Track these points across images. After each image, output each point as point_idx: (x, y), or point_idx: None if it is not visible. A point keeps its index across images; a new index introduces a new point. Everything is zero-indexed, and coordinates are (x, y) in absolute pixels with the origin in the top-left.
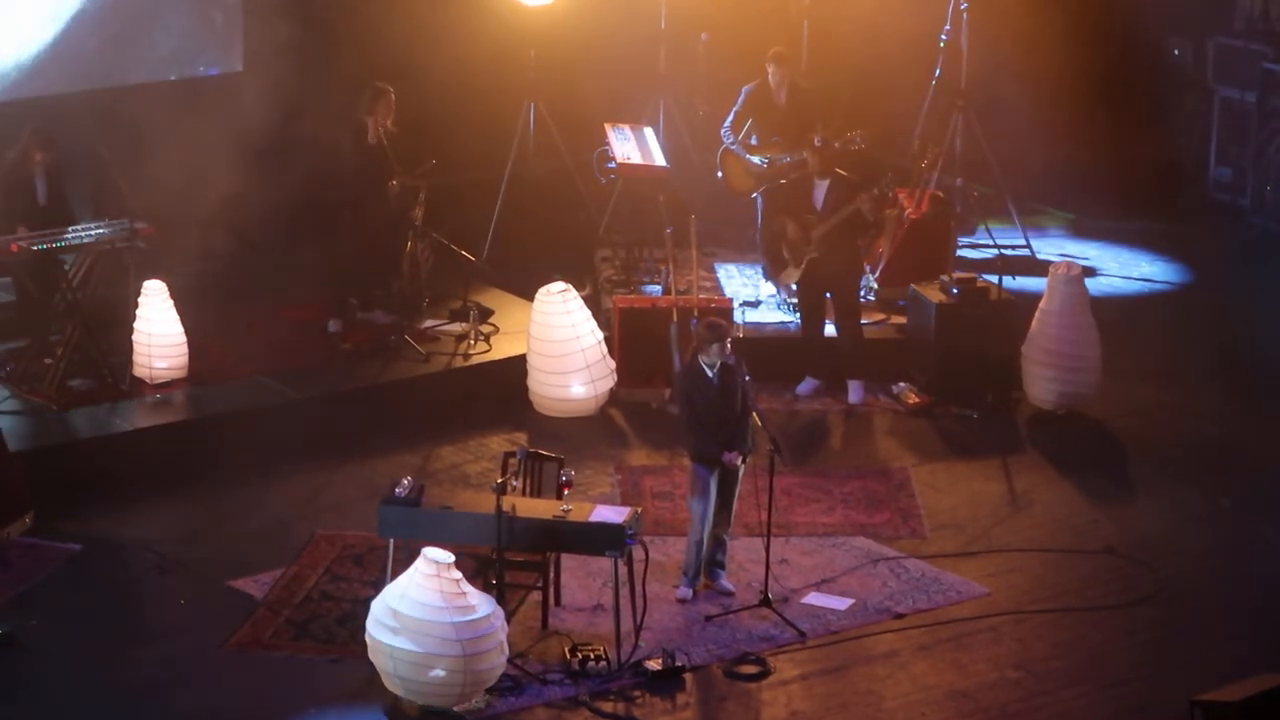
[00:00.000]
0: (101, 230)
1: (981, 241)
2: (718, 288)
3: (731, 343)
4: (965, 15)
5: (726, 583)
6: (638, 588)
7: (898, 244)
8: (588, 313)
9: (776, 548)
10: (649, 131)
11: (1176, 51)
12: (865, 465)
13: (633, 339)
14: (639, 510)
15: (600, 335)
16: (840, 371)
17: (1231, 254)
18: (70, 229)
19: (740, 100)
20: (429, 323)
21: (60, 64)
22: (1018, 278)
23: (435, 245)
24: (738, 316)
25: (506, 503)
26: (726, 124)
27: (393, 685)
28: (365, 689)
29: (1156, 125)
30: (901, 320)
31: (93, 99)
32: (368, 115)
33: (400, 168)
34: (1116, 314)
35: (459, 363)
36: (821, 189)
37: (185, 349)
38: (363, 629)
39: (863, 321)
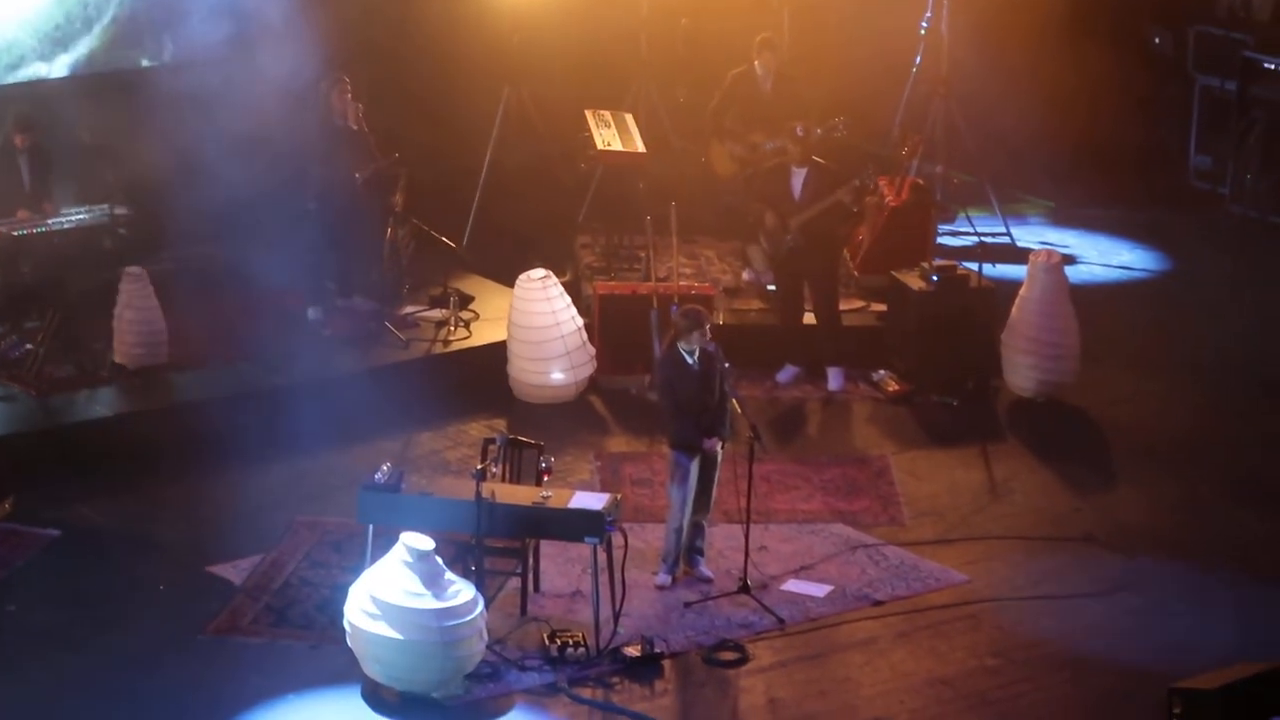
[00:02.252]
0: (83, 216)
1: (961, 229)
2: (698, 274)
3: (710, 329)
4: (946, 3)
5: (705, 569)
6: (617, 574)
7: (878, 231)
8: (568, 299)
9: (755, 534)
10: (629, 118)
11: (1157, 40)
12: (845, 452)
13: (613, 326)
14: (618, 497)
15: (580, 322)
16: (820, 359)
17: (1211, 242)
18: (51, 215)
19: (726, 86)
20: (409, 309)
21: (42, 50)
22: (998, 265)
23: (416, 231)
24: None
25: (486, 489)
26: (711, 109)
27: (372, 672)
28: (344, 675)
29: (1137, 113)
30: (881, 308)
31: (74, 85)
32: (324, 104)
33: (374, 156)
34: (1096, 302)
35: (439, 349)
36: (799, 177)
37: (165, 335)
38: (342, 615)
39: (842, 309)
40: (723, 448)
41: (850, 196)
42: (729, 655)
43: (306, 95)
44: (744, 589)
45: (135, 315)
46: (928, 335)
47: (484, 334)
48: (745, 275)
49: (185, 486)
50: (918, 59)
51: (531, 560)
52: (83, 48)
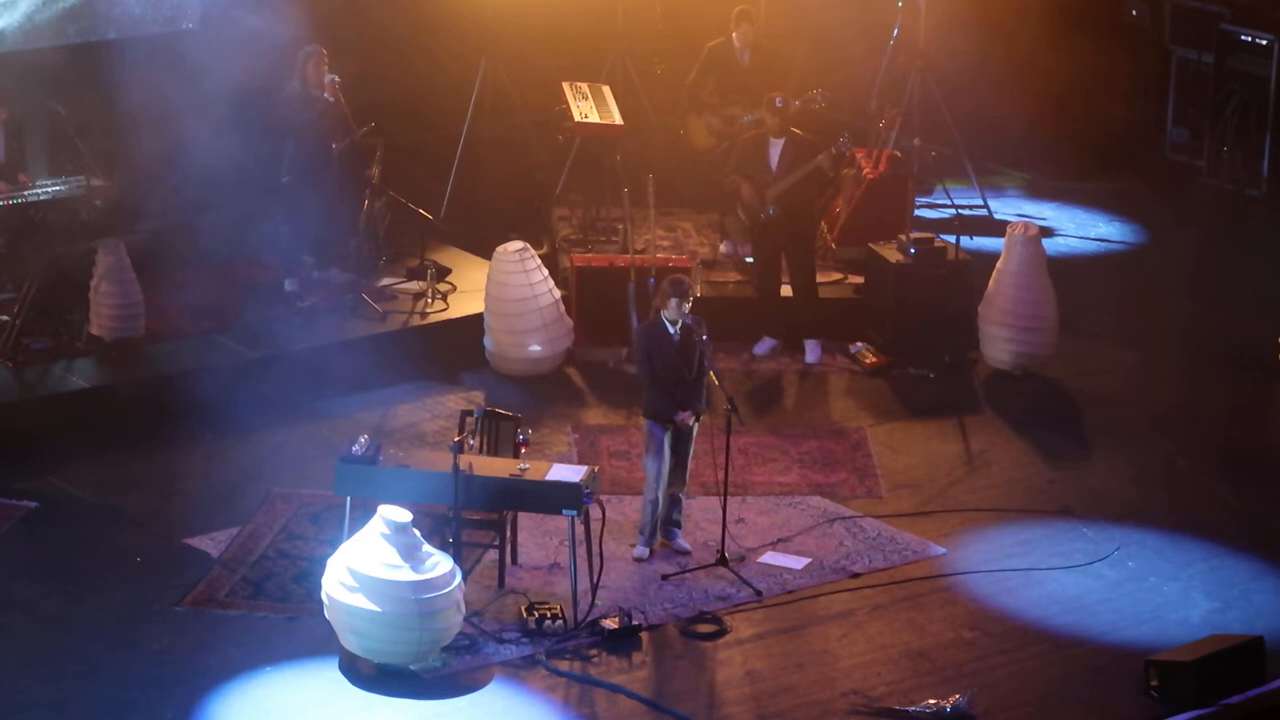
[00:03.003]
0: (58, 187)
1: (939, 201)
2: (676, 247)
3: (691, 301)
4: None
5: (683, 542)
6: (594, 547)
7: (855, 204)
8: (545, 271)
9: (733, 507)
10: (606, 90)
11: (1134, 12)
12: (822, 425)
13: (590, 298)
14: (595, 469)
15: (557, 294)
16: (797, 331)
17: (1188, 215)
18: (27, 186)
19: (703, 58)
20: (386, 281)
21: (14, 20)
22: (975, 238)
23: (392, 203)
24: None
25: (463, 461)
26: (689, 82)
27: (349, 644)
28: (321, 647)
29: (1114, 86)
30: (859, 280)
31: (48, 56)
32: (300, 76)
33: (350, 128)
34: (1073, 274)
35: (416, 321)
36: (776, 148)
37: (141, 307)
38: (319, 587)
39: (820, 281)
40: (696, 422)
41: (828, 163)
42: (707, 628)
43: (283, 66)
44: (722, 561)
45: (112, 288)
46: (905, 308)
47: (461, 306)
48: (723, 248)
49: (162, 459)
50: (895, 31)
51: (509, 533)
52: (56, 19)
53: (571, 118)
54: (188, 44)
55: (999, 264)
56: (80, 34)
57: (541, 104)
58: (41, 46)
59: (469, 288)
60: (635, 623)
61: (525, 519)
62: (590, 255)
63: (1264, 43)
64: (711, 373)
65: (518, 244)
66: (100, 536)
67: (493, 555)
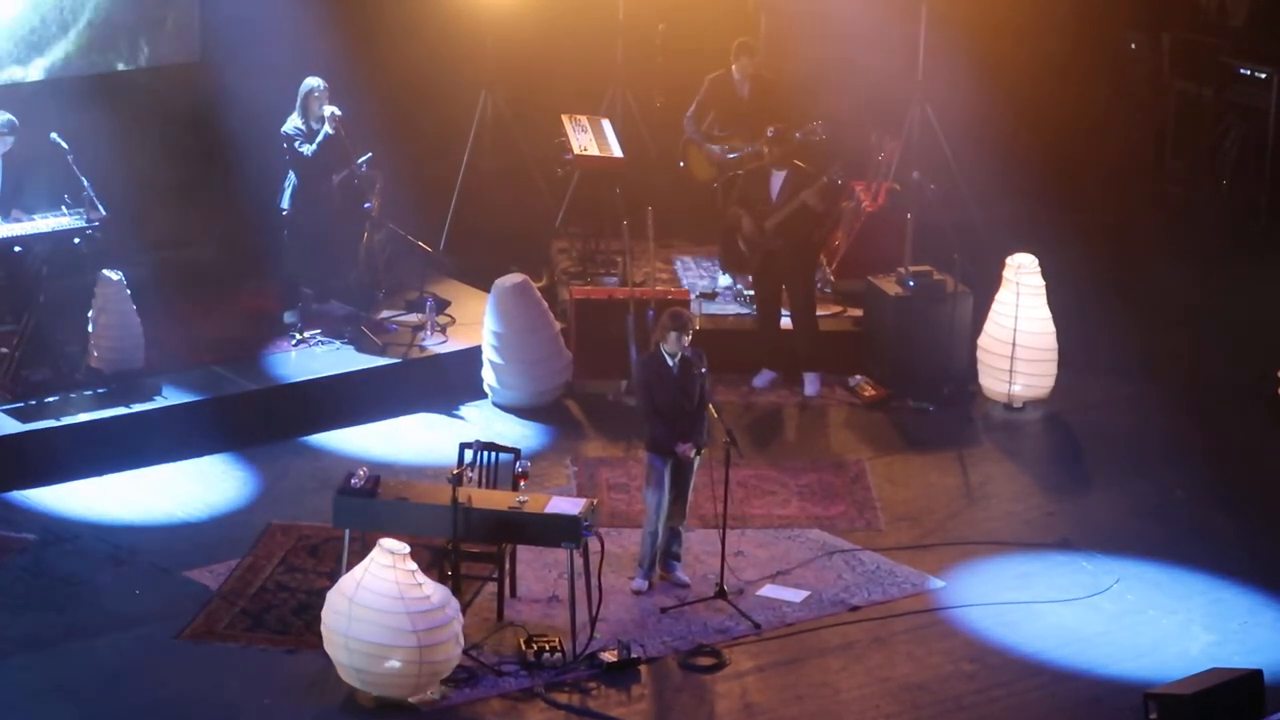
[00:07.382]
0: (59, 219)
1: (938, 234)
2: (675, 279)
3: (690, 334)
4: (923, 8)
5: (682, 575)
6: (593, 579)
7: (854, 236)
8: (544, 304)
9: (732, 540)
10: (606, 123)
11: (1133, 45)
12: (821, 458)
13: (589, 330)
14: (595, 502)
15: (557, 327)
16: (796, 364)
17: (1186, 247)
18: (27, 218)
19: (703, 90)
20: (385, 313)
21: (17, 54)
22: (974, 270)
23: (392, 236)
24: (694, 307)
25: (462, 494)
26: (689, 113)
27: (348, 676)
28: (320, 680)
29: (1113, 118)
30: (858, 313)
31: (49, 88)
32: (301, 108)
33: (350, 160)
34: (1071, 307)
35: (415, 354)
36: (778, 180)
37: (142, 340)
38: (318, 620)
39: (819, 314)
40: (697, 454)
41: (815, 198)
42: (706, 660)
43: (284, 99)
44: (720, 594)
45: (111, 319)
46: (904, 340)
47: (460, 338)
48: (722, 280)
49: (161, 490)
50: (895, 63)
51: (508, 565)
52: (58, 51)
53: (571, 150)
54: (187, 76)
55: (998, 296)
56: (80, 67)
57: (541, 136)
58: (41, 79)
59: (468, 320)
60: (634, 655)
61: (524, 551)
62: (589, 288)
63: (1263, 76)
64: (710, 405)
65: (517, 276)
66: (99, 569)
67: (491, 588)
